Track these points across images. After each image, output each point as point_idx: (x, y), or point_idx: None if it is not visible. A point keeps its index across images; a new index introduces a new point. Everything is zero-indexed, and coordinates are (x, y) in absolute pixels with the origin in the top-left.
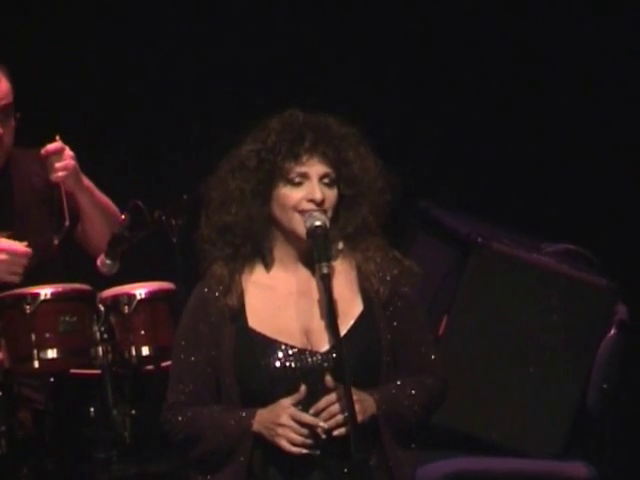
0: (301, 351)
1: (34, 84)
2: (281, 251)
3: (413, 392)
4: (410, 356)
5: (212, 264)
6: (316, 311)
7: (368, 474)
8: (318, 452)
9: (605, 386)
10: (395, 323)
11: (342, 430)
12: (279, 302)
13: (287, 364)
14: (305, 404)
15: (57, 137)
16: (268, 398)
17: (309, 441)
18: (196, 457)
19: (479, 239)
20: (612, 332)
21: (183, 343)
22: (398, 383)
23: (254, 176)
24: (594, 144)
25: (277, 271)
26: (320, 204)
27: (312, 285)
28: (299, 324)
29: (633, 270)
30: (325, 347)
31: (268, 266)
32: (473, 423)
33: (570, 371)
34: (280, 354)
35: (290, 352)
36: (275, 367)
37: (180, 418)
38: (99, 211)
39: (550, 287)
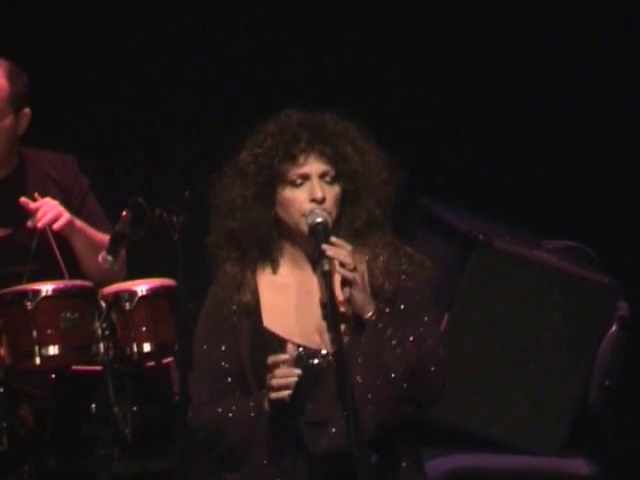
0: (314, 351)
1: (35, 81)
2: (289, 252)
3: (403, 343)
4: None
5: (222, 265)
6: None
7: (370, 471)
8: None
9: (606, 383)
10: (398, 319)
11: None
12: (293, 301)
13: (299, 364)
14: (314, 400)
15: (36, 195)
16: None
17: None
18: (221, 454)
19: (480, 236)
20: (613, 329)
21: (204, 347)
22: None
23: (254, 182)
24: (594, 141)
25: (287, 271)
26: (321, 202)
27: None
28: (312, 324)
29: (634, 267)
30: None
31: (277, 267)
32: (474, 420)
33: (571, 368)
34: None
35: (302, 352)
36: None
37: (203, 418)
38: (94, 250)
39: (551, 284)
